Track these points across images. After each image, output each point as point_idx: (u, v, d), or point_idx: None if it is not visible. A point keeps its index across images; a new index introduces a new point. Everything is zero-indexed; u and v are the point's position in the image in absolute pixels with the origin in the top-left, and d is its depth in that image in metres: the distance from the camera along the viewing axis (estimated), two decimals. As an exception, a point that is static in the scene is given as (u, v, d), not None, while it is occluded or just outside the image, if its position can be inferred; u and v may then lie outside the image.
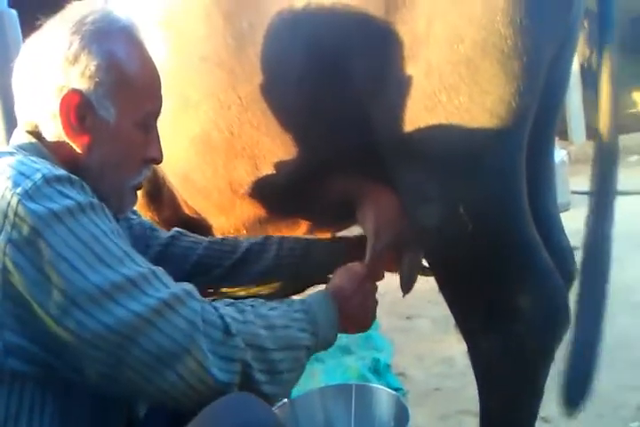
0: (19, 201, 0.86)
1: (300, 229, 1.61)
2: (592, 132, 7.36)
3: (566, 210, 4.08)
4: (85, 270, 0.87)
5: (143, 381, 0.90)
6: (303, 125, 1.37)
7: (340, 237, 1.52)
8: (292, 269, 1.43)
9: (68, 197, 0.90)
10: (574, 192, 4.81)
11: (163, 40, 1.49)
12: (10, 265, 0.85)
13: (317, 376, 2.31)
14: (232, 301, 1.08)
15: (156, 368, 0.89)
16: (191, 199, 1.69)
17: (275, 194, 1.50)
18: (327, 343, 1.17)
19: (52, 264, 0.86)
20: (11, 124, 2.13)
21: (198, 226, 1.70)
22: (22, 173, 0.90)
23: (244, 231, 1.66)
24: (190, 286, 0.99)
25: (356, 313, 1.25)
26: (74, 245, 0.87)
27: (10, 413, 0.89)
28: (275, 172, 1.45)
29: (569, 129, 7.36)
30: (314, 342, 1.11)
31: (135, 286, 0.90)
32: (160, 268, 0.97)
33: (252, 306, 1.07)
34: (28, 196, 0.87)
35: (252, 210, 1.56)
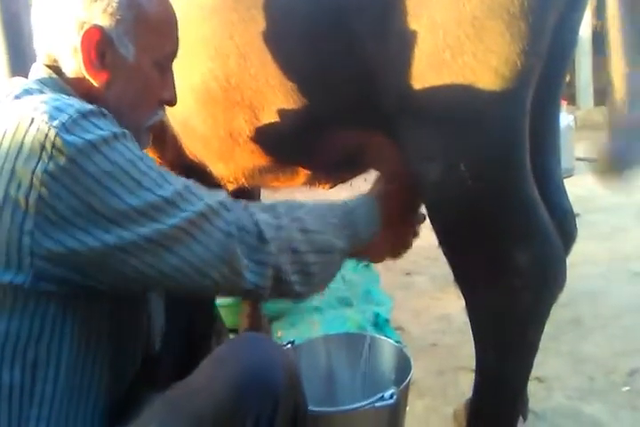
0: (56, 133, 0.88)
1: (299, 180, 1.62)
2: (600, 98, 7.32)
3: (570, 176, 4.07)
4: (124, 194, 0.91)
5: (179, 286, 0.97)
6: (303, 77, 1.36)
7: None
8: None
9: (101, 128, 0.93)
10: (579, 159, 4.81)
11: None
12: (46, 195, 0.87)
13: (317, 326, 2.34)
14: (269, 204, 1.12)
15: (191, 275, 0.96)
16: (191, 146, 1.69)
17: (274, 144, 1.51)
18: (366, 240, 1.22)
19: (92, 191, 0.89)
20: (17, 57, 2.09)
21: (199, 171, 1.71)
22: (57, 108, 0.92)
23: (243, 179, 1.68)
24: (224, 195, 1.04)
25: (398, 216, 1.29)
26: (111, 171, 0.91)
27: (33, 333, 0.92)
28: (274, 122, 1.45)
29: (577, 94, 7.30)
30: (350, 244, 1.16)
31: (172, 204, 0.95)
32: (192, 181, 1.02)
33: (288, 209, 1.11)
34: (64, 128, 0.89)
35: (251, 159, 1.57)
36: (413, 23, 1.17)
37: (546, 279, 1.28)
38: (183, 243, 0.94)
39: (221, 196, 1.03)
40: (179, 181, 0.99)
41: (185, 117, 1.59)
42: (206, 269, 0.96)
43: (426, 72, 1.17)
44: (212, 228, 0.97)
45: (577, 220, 1.51)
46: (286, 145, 1.49)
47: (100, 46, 1.03)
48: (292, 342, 1.49)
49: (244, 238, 1.00)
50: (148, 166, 0.96)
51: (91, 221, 0.89)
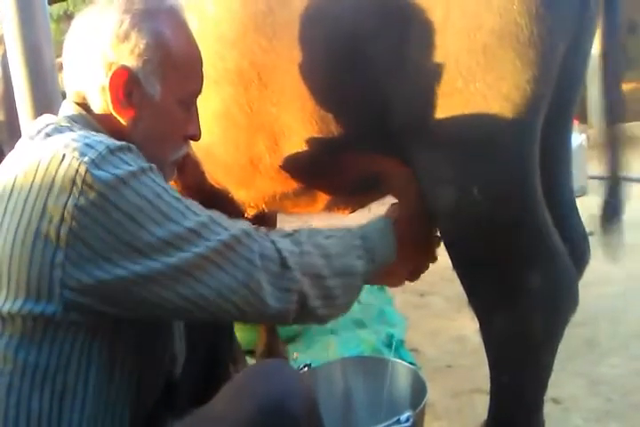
0: (86, 169, 0.92)
1: (318, 206, 1.64)
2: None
3: (583, 195, 4.06)
4: (152, 227, 0.94)
5: (205, 314, 0.99)
6: (322, 103, 1.39)
7: None
8: None
9: (129, 163, 0.96)
10: (591, 177, 4.78)
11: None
12: (77, 228, 0.90)
13: (332, 348, 2.34)
14: (289, 232, 1.15)
15: (217, 303, 0.98)
16: (213, 172, 1.73)
17: (293, 170, 1.53)
18: (384, 262, 1.24)
19: (121, 224, 0.92)
20: (38, 87, 2.11)
21: (221, 196, 1.74)
22: (87, 145, 0.95)
23: (263, 205, 1.70)
24: (247, 224, 1.07)
25: (414, 240, 1.31)
26: (140, 204, 0.94)
27: (61, 361, 0.95)
28: (293, 148, 1.48)
29: (588, 113, 7.27)
30: (370, 267, 1.18)
31: (197, 235, 0.98)
32: (216, 211, 1.05)
33: (308, 236, 1.14)
34: (94, 164, 0.93)
35: (272, 185, 1.59)
36: (427, 52, 1.19)
37: (557, 301, 1.29)
38: (209, 271, 0.97)
39: (244, 225, 1.06)
40: (204, 212, 1.02)
41: (207, 145, 1.61)
42: (231, 297, 0.98)
43: (439, 99, 1.20)
44: (237, 257, 1.00)
45: (591, 238, 1.51)
46: (305, 171, 1.52)
47: (127, 86, 1.07)
48: (309, 365, 1.49)
49: (267, 266, 1.02)
50: (175, 198, 0.99)
51: (120, 253, 0.92)
